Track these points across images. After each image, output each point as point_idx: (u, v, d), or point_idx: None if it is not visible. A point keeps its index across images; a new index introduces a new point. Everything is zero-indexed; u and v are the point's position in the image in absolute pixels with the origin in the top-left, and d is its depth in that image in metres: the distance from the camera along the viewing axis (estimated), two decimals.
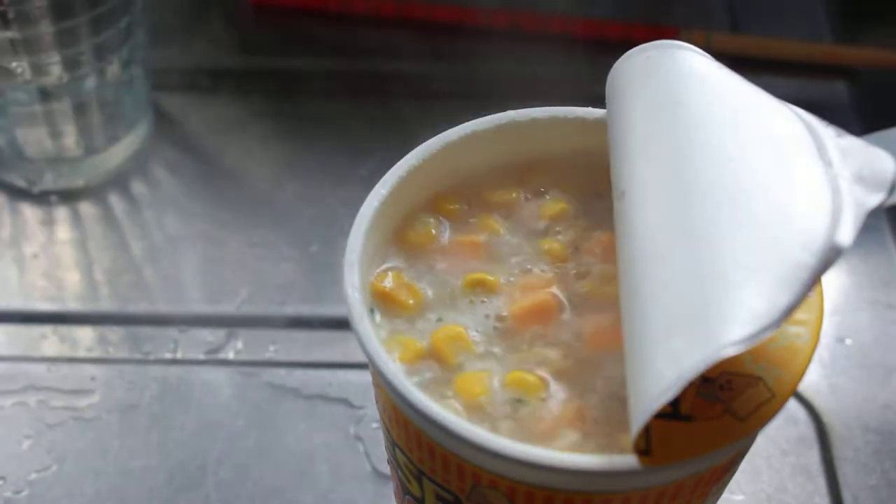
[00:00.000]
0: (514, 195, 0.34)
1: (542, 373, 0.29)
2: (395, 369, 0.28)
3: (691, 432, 0.26)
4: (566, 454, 0.26)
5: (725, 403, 0.27)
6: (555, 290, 0.31)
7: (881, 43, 0.62)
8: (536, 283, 0.31)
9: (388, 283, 0.31)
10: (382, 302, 0.31)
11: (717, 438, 0.26)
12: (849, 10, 0.66)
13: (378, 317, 0.31)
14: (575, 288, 0.31)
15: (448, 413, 0.27)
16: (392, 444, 0.31)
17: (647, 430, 0.26)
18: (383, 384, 0.28)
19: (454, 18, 0.63)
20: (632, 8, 0.68)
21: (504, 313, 0.31)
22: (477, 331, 0.30)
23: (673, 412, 0.26)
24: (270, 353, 0.48)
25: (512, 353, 0.30)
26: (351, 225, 0.31)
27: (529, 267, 0.32)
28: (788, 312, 0.23)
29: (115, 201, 0.54)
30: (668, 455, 0.25)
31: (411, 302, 0.31)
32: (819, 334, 0.28)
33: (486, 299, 0.31)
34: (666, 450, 0.25)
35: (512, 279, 0.32)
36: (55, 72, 0.50)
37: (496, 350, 0.30)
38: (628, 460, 0.25)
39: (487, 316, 0.31)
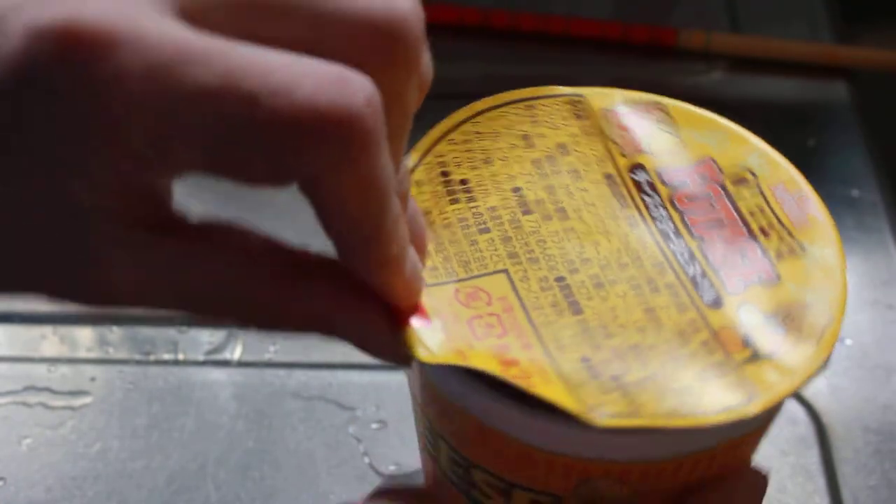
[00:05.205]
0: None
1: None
2: (486, 385, 0.26)
3: (778, 370, 0.27)
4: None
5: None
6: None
7: (881, 43, 0.62)
8: None
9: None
10: None
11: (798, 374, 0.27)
12: (849, 10, 0.66)
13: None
14: None
15: (557, 414, 0.26)
16: (468, 465, 0.29)
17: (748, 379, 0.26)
18: (475, 403, 0.27)
19: (454, 19, 0.63)
20: (632, 8, 0.68)
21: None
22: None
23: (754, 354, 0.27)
24: (270, 353, 0.48)
25: None
26: None
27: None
28: None
29: None
30: (772, 398, 0.26)
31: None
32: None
33: None
34: (770, 393, 0.26)
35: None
36: None
37: None
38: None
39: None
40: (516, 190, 0.30)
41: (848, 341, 0.48)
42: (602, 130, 0.31)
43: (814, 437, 0.45)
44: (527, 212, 0.29)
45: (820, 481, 0.43)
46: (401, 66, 0.23)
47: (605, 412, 0.25)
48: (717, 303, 0.28)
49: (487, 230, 0.29)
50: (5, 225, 0.23)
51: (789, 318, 0.28)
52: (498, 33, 0.63)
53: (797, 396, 0.46)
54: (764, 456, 0.44)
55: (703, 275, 0.29)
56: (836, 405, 0.46)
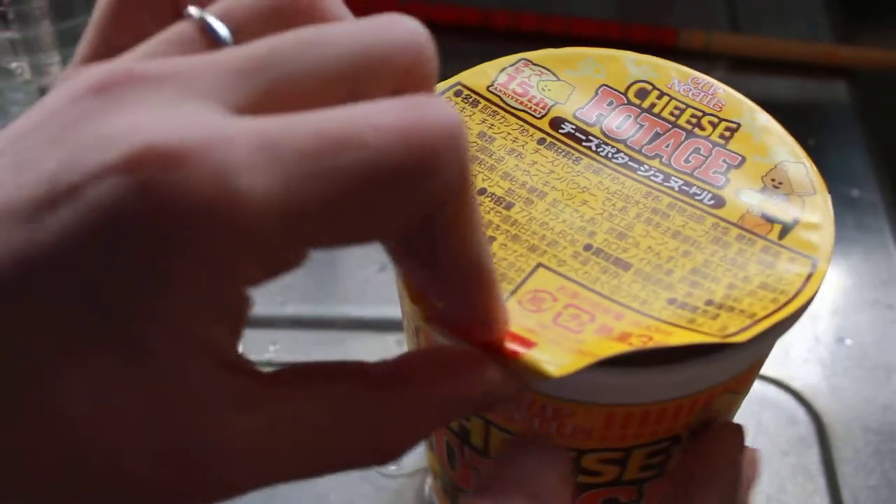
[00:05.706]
0: None
1: None
2: (612, 369, 0.26)
3: None
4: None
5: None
6: None
7: (881, 43, 0.62)
8: None
9: None
10: None
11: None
12: (849, 10, 0.66)
13: None
14: None
15: (684, 361, 0.26)
16: (577, 457, 0.29)
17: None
18: (612, 390, 0.27)
19: (454, 19, 0.63)
20: (632, 8, 0.68)
21: None
22: None
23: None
24: (271, 353, 0.48)
25: None
26: None
27: None
28: None
29: None
30: (828, 250, 0.28)
31: None
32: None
33: None
34: (823, 249, 0.28)
35: None
36: (55, 72, 0.50)
37: None
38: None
39: None
40: (482, 192, 0.30)
41: (848, 341, 0.48)
42: (501, 106, 0.32)
43: (814, 437, 0.45)
44: (508, 206, 0.29)
45: (820, 481, 0.43)
46: (434, 79, 0.23)
47: (734, 331, 0.26)
48: (719, 201, 0.29)
49: (492, 238, 0.29)
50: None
51: (777, 183, 0.29)
52: (498, 33, 0.63)
53: (797, 396, 0.46)
54: (764, 456, 0.44)
55: (687, 184, 0.29)
56: (836, 405, 0.46)
